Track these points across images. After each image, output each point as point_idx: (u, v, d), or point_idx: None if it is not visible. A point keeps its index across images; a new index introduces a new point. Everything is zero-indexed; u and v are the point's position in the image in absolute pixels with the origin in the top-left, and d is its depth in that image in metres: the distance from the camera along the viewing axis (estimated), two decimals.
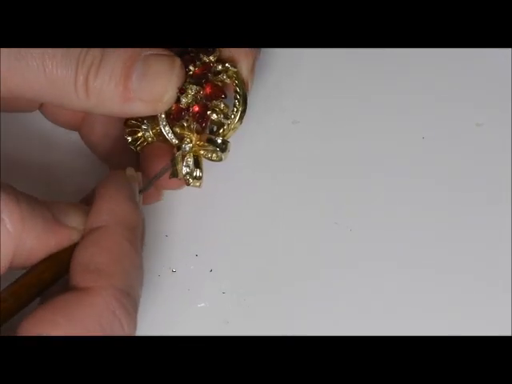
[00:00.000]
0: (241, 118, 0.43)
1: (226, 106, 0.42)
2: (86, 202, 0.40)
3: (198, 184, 0.43)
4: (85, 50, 0.40)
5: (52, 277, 0.38)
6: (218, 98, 0.42)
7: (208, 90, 0.42)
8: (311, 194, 0.46)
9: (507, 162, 0.46)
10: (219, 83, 0.43)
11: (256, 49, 0.44)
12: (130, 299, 0.37)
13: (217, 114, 0.42)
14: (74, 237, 0.38)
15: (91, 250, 0.37)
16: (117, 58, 0.40)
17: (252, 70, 0.44)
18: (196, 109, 0.42)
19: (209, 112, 0.42)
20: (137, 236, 0.38)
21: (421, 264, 0.44)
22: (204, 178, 0.43)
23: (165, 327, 0.43)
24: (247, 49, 0.43)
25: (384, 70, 0.49)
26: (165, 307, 0.44)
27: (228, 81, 0.43)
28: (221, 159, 0.42)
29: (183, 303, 0.44)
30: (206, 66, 0.42)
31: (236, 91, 0.43)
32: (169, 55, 0.41)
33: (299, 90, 0.48)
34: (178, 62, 0.41)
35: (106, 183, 0.39)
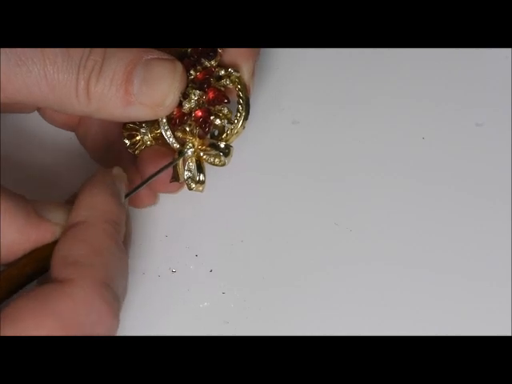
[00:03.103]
0: (244, 122, 0.43)
1: (229, 111, 0.42)
2: (72, 202, 0.40)
3: (200, 188, 0.43)
4: (86, 54, 0.40)
5: (33, 272, 0.38)
6: (221, 103, 0.42)
7: (211, 95, 0.42)
8: (311, 194, 0.46)
9: (507, 161, 0.46)
10: (222, 88, 0.42)
11: (256, 52, 0.44)
12: (110, 291, 0.37)
13: (220, 119, 0.42)
14: (57, 233, 0.38)
15: (70, 242, 0.37)
16: (118, 62, 0.40)
17: (253, 74, 0.44)
18: (199, 114, 0.42)
19: (212, 117, 0.42)
20: (118, 231, 0.39)
21: (421, 264, 0.44)
22: (211, 177, 0.43)
23: (165, 327, 0.43)
24: (248, 53, 0.43)
25: (384, 70, 0.49)
26: (165, 307, 0.44)
27: (231, 86, 0.43)
28: (224, 164, 0.42)
29: (183, 303, 0.44)
30: (208, 71, 0.42)
31: (239, 96, 0.43)
32: (170, 59, 0.41)
33: (299, 90, 0.48)
34: (179, 66, 0.41)
35: (90, 180, 0.40)
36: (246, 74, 0.43)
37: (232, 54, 0.43)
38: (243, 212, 0.46)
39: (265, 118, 0.47)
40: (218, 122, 0.42)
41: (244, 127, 0.43)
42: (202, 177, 0.42)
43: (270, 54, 0.49)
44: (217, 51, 0.42)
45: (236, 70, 0.43)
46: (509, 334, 0.43)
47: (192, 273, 0.44)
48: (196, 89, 0.42)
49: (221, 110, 0.42)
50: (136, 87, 0.40)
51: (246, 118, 0.42)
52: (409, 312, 0.43)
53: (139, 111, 0.41)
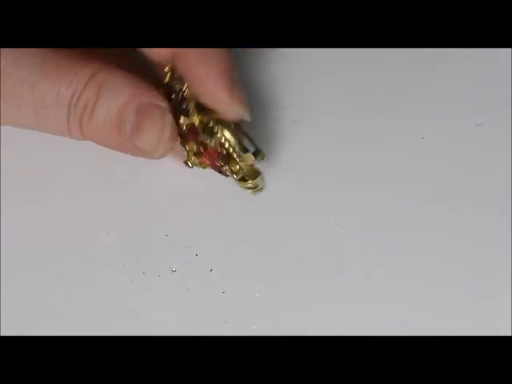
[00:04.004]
0: (261, 158, 0.42)
1: (240, 167, 0.42)
2: None
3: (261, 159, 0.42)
4: (78, 92, 0.40)
5: None
6: (224, 160, 0.42)
7: (210, 160, 0.42)
8: (311, 193, 0.46)
9: (507, 161, 0.46)
10: (217, 148, 0.41)
11: (226, 69, 0.41)
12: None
13: (235, 174, 0.42)
14: None
15: None
16: (110, 105, 0.40)
17: (234, 82, 0.41)
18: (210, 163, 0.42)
19: (224, 168, 0.42)
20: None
21: (421, 264, 0.44)
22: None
23: (164, 327, 0.43)
24: (219, 80, 0.41)
25: (384, 70, 0.49)
26: (165, 307, 0.44)
27: (219, 148, 0.41)
28: (261, 189, 0.43)
29: (183, 303, 0.44)
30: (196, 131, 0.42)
31: (234, 152, 0.41)
32: (160, 108, 0.41)
33: (299, 89, 0.48)
34: (169, 117, 0.41)
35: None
36: (226, 108, 0.41)
37: (204, 90, 0.41)
38: (243, 211, 0.46)
39: (265, 118, 0.47)
40: (234, 176, 0.42)
41: (263, 158, 0.42)
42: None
43: (270, 52, 0.49)
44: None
45: (220, 122, 0.41)
46: (509, 334, 0.43)
47: (192, 272, 0.44)
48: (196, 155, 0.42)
49: (230, 169, 0.42)
50: (128, 132, 0.40)
51: (256, 157, 0.42)
52: (409, 312, 0.43)
53: (134, 151, 0.42)
